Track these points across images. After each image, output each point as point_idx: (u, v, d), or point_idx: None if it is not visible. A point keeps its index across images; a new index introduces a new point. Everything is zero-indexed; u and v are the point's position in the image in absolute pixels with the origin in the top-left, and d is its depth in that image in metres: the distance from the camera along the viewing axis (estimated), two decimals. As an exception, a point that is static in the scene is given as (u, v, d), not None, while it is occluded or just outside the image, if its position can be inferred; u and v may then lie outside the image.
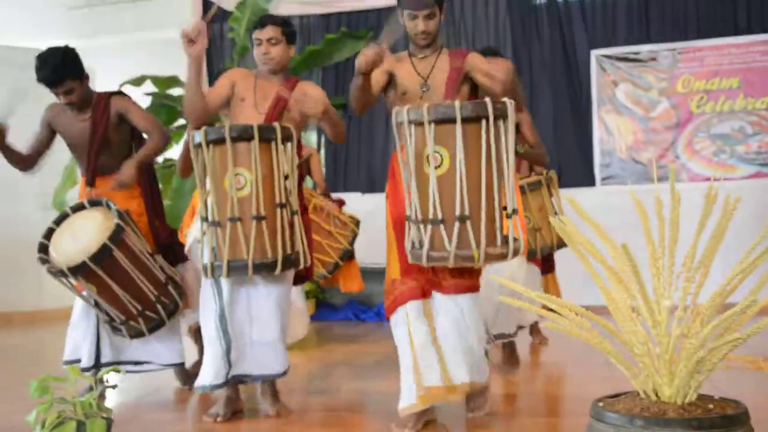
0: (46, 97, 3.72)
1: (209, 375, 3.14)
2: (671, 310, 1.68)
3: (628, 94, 7.20)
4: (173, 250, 3.92)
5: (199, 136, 3.02)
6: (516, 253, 2.74)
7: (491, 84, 3.10)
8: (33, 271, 7.51)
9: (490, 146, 2.66)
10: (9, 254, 7.49)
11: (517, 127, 4.36)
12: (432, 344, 2.90)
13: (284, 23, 3.47)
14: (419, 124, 2.67)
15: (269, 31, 3.38)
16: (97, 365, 3.64)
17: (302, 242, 3.24)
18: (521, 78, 4.88)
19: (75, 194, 6.60)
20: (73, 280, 3.46)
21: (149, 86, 7.25)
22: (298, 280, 3.51)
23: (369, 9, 7.59)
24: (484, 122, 2.64)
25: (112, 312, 3.55)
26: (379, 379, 3.90)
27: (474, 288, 2.94)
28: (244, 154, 3.01)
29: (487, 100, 2.67)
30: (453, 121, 2.62)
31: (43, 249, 3.44)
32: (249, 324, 3.24)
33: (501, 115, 2.68)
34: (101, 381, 3.58)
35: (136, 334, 3.62)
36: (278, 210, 3.07)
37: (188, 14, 7.97)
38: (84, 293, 3.58)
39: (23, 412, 2.27)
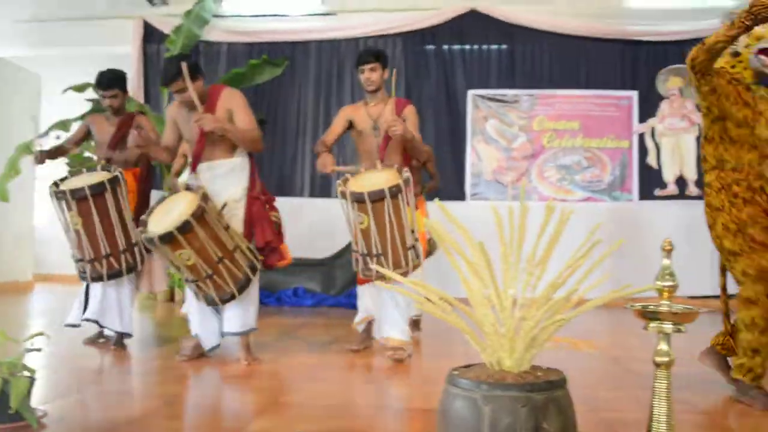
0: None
1: (213, 339, 3.59)
2: (515, 297, 1.73)
3: (495, 128, 7.41)
4: None
5: (147, 240, 3.30)
6: (415, 268, 3.63)
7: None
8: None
9: (390, 214, 3.50)
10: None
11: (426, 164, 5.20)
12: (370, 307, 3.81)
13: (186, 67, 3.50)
14: (347, 200, 3.55)
15: (177, 85, 3.47)
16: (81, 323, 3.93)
17: (248, 257, 3.51)
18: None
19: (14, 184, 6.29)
20: (72, 211, 3.66)
21: (91, 93, 6.93)
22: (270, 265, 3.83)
23: (286, 41, 7.54)
24: (385, 200, 3.47)
25: (87, 247, 3.72)
26: (270, 353, 3.88)
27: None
28: (178, 243, 3.27)
29: (385, 188, 3.46)
30: (364, 201, 3.48)
31: (56, 184, 3.77)
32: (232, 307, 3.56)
33: (396, 193, 3.48)
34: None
35: (98, 277, 3.79)
36: (219, 264, 3.37)
37: (129, 35, 7.69)
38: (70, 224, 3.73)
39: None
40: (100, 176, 3.77)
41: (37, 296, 7.13)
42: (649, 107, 7.25)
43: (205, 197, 3.35)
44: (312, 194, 7.46)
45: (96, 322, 3.91)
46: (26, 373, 2.18)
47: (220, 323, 3.60)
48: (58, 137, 6.87)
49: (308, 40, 7.54)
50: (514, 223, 1.79)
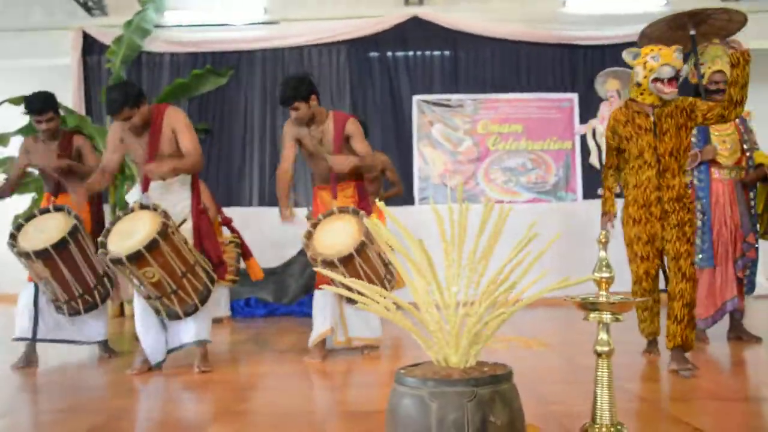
0: None
1: (159, 354, 3.57)
2: (458, 294, 1.75)
3: (441, 132, 7.49)
4: None
5: (112, 261, 3.28)
6: (392, 289, 3.89)
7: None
8: None
9: (362, 265, 3.66)
10: None
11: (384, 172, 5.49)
12: (335, 312, 3.86)
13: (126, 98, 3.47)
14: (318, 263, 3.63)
15: (123, 114, 3.47)
16: (34, 339, 3.84)
17: (205, 270, 3.58)
18: (361, 117, 5.16)
19: None
20: (38, 264, 3.60)
21: (29, 106, 6.74)
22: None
23: (230, 51, 7.48)
24: (354, 258, 3.62)
25: (60, 292, 3.71)
26: (222, 363, 3.84)
27: None
28: (145, 261, 3.28)
29: (353, 251, 3.58)
30: (336, 265, 3.59)
31: (13, 237, 3.66)
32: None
33: (361, 249, 3.61)
34: None
35: (74, 313, 3.81)
36: (182, 278, 3.43)
37: (68, 47, 7.50)
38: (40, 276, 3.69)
39: None
40: (59, 227, 3.67)
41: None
42: (589, 109, 7.45)
43: (166, 215, 3.39)
44: (261, 203, 7.40)
45: (56, 341, 3.91)
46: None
47: (167, 338, 3.61)
48: (-5, 152, 6.66)
49: (252, 50, 7.50)
50: (455, 222, 1.81)
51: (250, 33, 7.55)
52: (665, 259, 3.40)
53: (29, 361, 3.80)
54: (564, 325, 5.46)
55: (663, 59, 3.23)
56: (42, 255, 3.56)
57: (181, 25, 7.59)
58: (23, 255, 3.57)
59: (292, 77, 3.88)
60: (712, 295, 4.09)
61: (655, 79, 3.24)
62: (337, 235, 3.70)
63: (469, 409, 1.57)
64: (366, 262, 3.70)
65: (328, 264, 3.59)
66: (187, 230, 3.60)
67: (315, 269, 2.05)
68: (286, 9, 7.57)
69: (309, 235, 3.77)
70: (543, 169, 7.46)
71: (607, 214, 3.56)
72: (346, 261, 3.61)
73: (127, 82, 3.71)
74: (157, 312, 3.52)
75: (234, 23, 7.60)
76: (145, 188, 3.63)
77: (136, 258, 3.25)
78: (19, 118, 6.73)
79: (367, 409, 2.66)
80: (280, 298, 6.63)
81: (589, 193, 7.39)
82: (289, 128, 3.99)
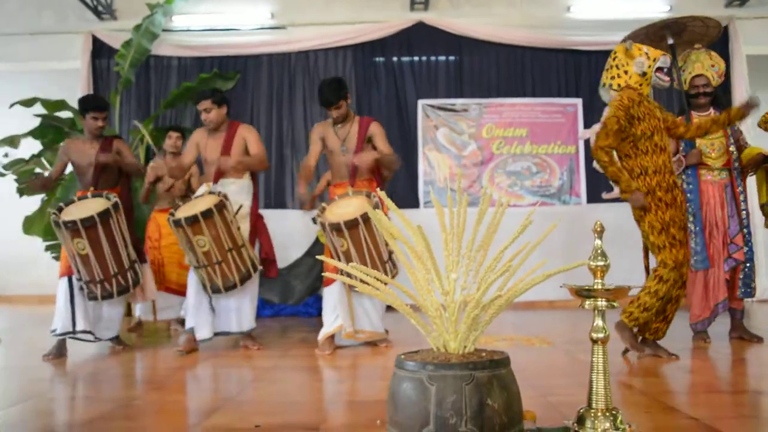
0: None
1: (205, 332, 4.08)
2: (457, 281, 1.80)
3: (446, 136, 7.55)
4: (138, 251, 4.36)
5: (174, 222, 3.88)
6: (393, 276, 4.03)
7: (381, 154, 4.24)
8: None
9: (365, 236, 3.92)
10: None
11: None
12: (344, 305, 4.04)
13: (213, 93, 4.24)
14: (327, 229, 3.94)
15: (204, 104, 4.20)
16: (74, 332, 4.04)
17: (251, 257, 4.10)
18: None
19: None
20: (81, 237, 3.86)
21: (39, 108, 6.83)
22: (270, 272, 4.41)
23: (236, 55, 7.56)
24: (359, 226, 3.86)
25: (97, 269, 3.95)
26: (228, 358, 3.88)
27: None
28: (199, 227, 3.88)
29: (358, 216, 3.83)
30: (342, 229, 3.86)
31: (56, 215, 3.94)
32: (228, 307, 4.16)
33: (368, 219, 3.83)
34: None
35: (107, 296, 4.04)
36: (228, 253, 3.97)
37: (78, 50, 7.61)
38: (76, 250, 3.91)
39: None
40: (102, 203, 4.02)
41: (-13, 317, 6.95)
42: (593, 113, 7.48)
43: (225, 197, 3.99)
44: (267, 206, 7.47)
45: (90, 332, 4.11)
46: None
47: (214, 321, 4.13)
48: (6, 155, 6.76)
49: (259, 54, 7.59)
50: (455, 213, 1.86)
51: (257, 37, 7.64)
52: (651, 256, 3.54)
53: (60, 353, 3.99)
54: (568, 326, 5.49)
55: (658, 52, 3.51)
56: (87, 222, 3.84)
57: (189, 30, 7.69)
58: (69, 225, 3.82)
59: (331, 80, 4.24)
60: (707, 298, 4.11)
61: (659, 69, 3.48)
62: (347, 207, 4.00)
63: (467, 391, 1.61)
64: (370, 235, 3.92)
65: (335, 228, 3.88)
66: (241, 216, 4.15)
67: (319, 257, 2.10)
68: (293, 14, 7.66)
69: (323, 210, 4.05)
70: (547, 172, 7.50)
71: (638, 190, 3.41)
72: (351, 226, 3.86)
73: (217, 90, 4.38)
74: (203, 285, 4.01)
75: (241, 28, 7.69)
76: (215, 181, 4.23)
77: (193, 222, 3.83)
78: (29, 120, 6.86)
79: (371, 399, 2.71)
80: (286, 299, 6.68)
81: (593, 197, 7.42)
82: (318, 128, 4.37)
